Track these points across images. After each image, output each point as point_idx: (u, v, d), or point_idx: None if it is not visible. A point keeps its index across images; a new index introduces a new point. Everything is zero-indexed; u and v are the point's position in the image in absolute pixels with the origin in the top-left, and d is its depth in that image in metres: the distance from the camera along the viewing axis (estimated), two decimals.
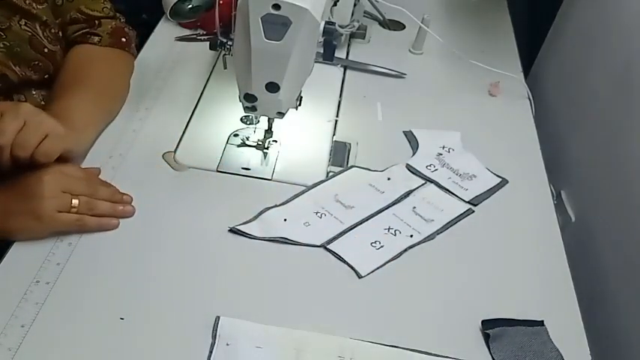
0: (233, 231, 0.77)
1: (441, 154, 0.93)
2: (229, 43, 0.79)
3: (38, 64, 0.84)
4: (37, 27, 0.84)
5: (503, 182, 0.90)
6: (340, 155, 0.92)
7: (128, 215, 0.77)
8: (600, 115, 1.05)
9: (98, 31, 0.93)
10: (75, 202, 0.72)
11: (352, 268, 0.75)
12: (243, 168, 0.87)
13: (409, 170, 0.90)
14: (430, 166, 0.91)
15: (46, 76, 0.87)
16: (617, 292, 0.90)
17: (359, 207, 0.83)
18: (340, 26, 0.80)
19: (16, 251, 0.72)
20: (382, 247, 0.78)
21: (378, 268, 0.75)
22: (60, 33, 0.89)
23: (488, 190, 0.88)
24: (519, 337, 0.69)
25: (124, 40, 0.95)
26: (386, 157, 0.92)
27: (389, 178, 0.88)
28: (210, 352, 0.64)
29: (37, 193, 0.71)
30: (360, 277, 0.74)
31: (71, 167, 0.76)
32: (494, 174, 0.91)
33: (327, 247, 0.77)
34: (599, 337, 0.77)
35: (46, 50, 0.85)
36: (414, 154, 0.93)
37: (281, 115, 0.80)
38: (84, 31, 0.92)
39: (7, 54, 0.80)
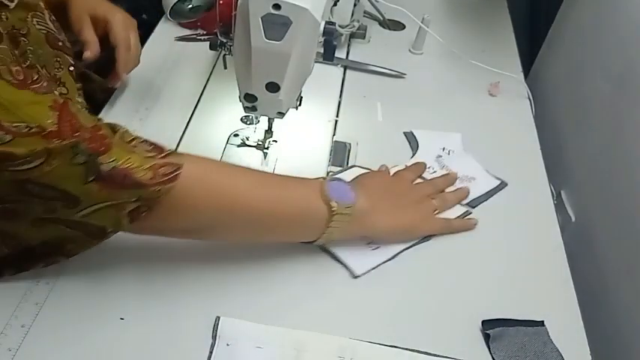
0: None
1: (441, 156, 0.93)
2: (229, 43, 0.79)
3: (58, 60, 0.83)
4: (48, 20, 0.81)
5: (503, 185, 0.90)
6: (340, 155, 0.92)
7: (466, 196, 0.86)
8: (600, 115, 1.05)
9: None
10: (434, 202, 0.80)
11: (347, 267, 0.75)
12: None
13: None
14: (429, 168, 0.90)
15: (70, 68, 0.84)
16: (617, 292, 0.90)
17: None
18: (340, 26, 0.80)
19: None
20: (378, 247, 0.78)
21: (373, 268, 0.75)
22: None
23: (486, 193, 0.88)
24: (519, 337, 0.69)
25: None
26: (386, 158, 0.92)
27: None
28: (211, 352, 0.64)
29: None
30: (355, 277, 0.74)
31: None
32: (494, 176, 0.91)
33: (325, 246, 0.77)
34: (599, 337, 0.77)
35: (60, 43, 0.83)
36: (413, 155, 0.93)
37: (281, 115, 0.80)
38: None
39: (34, 58, 0.77)
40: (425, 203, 0.80)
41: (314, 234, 0.72)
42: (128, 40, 0.89)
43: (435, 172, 0.90)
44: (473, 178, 0.90)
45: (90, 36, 0.87)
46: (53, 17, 0.83)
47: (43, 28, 0.80)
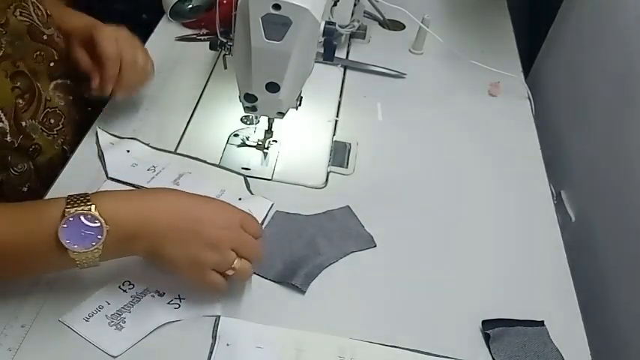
0: None
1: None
2: (229, 43, 0.79)
3: (40, 53, 0.82)
4: (32, 12, 0.80)
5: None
6: (340, 155, 0.92)
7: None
8: (600, 115, 1.05)
9: None
10: (237, 263, 0.65)
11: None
12: (243, 168, 0.87)
13: None
14: None
15: (51, 64, 0.85)
16: (617, 292, 0.90)
17: None
18: (340, 26, 0.80)
19: None
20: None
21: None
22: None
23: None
24: (519, 337, 0.69)
25: None
26: (386, 157, 0.92)
27: None
28: (211, 352, 0.64)
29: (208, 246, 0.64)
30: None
31: (252, 220, 0.68)
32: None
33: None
34: (599, 337, 0.77)
35: (45, 37, 0.82)
36: None
37: (281, 115, 0.80)
38: None
39: (10, 49, 0.77)
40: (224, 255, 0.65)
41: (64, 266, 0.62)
42: (116, 54, 0.81)
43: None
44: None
45: (86, 64, 0.83)
46: (41, 11, 0.82)
47: (27, 19, 0.79)
